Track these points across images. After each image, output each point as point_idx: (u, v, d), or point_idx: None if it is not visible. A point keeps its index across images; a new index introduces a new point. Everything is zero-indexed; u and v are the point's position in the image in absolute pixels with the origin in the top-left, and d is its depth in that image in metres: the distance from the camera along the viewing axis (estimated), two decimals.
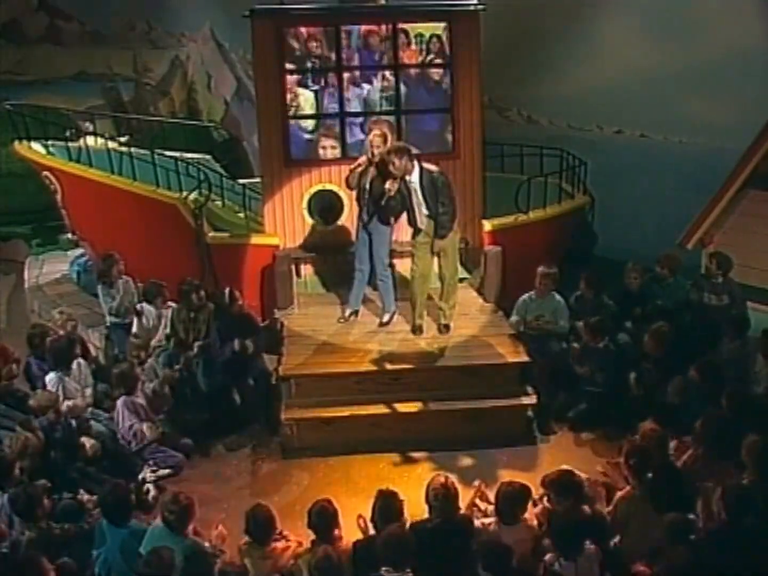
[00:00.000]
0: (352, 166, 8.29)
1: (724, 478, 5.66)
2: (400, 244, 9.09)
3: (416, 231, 8.10)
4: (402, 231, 8.88)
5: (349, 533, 5.58)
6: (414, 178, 7.82)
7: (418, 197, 7.86)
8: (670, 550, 4.98)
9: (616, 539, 5.61)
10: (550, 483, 5.70)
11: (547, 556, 5.15)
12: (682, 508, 5.38)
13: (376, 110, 9.40)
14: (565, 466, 6.25)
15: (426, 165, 7.89)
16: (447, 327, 8.34)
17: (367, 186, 8.17)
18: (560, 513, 5.44)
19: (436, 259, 8.19)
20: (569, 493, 5.58)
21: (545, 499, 5.81)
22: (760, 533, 5.19)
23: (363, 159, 8.19)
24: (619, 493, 5.86)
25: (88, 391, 7.76)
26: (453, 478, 5.77)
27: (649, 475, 5.76)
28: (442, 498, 5.43)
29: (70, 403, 7.30)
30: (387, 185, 7.83)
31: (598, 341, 7.93)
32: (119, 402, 7.30)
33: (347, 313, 8.67)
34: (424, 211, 7.91)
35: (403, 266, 9.09)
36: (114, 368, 7.56)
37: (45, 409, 6.91)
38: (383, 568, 4.91)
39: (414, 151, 7.98)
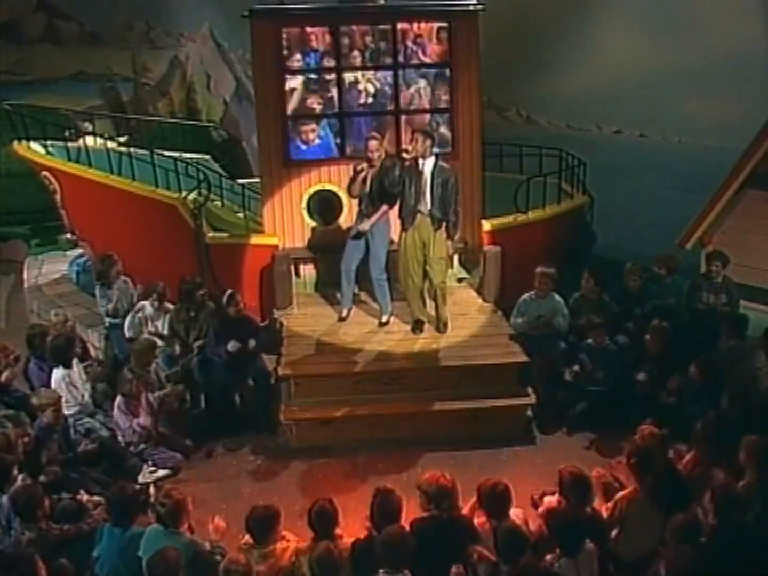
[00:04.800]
0: (353, 174, 8.28)
1: (723, 479, 5.66)
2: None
3: (404, 224, 8.10)
4: None
5: (349, 533, 5.58)
6: (428, 164, 7.91)
7: (424, 185, 7.90)
8: (675, 550, 4.97)
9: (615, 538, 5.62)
10: (568, 482, 5.68)
11: (548, 556, 5.15)
12: (683, 509, 5.36)
13: (376, 110, 9.41)
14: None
15: (441, 162, 8.00)
16: (445, 325, 8.35)
17: (366, 189, 8.18)
18: (560, 512, 5.44)
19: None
20: (580, 492, 5.59)
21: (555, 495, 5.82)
22: (754, 534, 5.20)
23: (364, 165, 8.20)
24: (620, 493, 5.85)
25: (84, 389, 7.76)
26: (452, 477, 5.75)
27: (648, 477, 5.76)
28: (444, 494, 5.43)
29: (72, 400, 7.32)
30: (407, 145, 8.01)
31: (602, 341, 7.94)
32: (117, 401, 7.30)
33: (344, 312, 8.67)
34: (428, 203, 7.95)
35: None
36: (125, 370, 7.55)
37: (46, 407, 6.90)
38: (381, 570, 4.91)
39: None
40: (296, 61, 9.21)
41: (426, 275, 8.23)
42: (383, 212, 8.25)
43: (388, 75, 9.36)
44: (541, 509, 5.81)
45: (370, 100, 9.39)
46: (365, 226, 8.24)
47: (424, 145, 7.89)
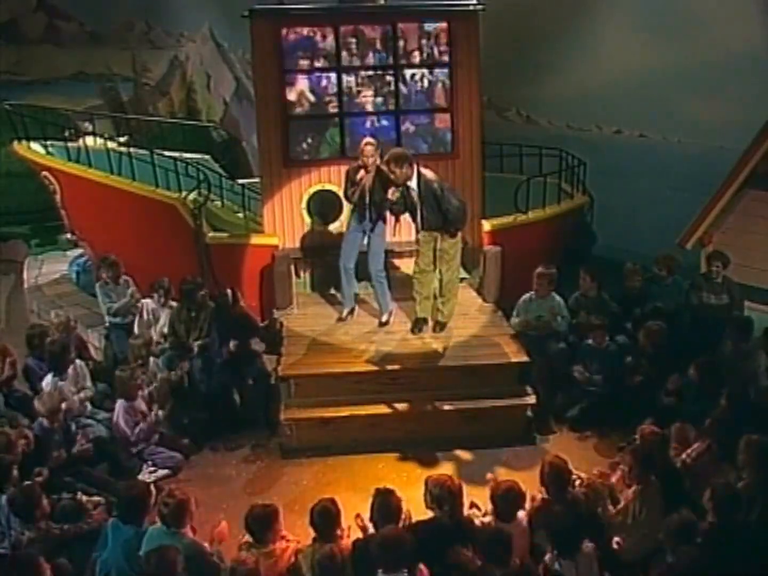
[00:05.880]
0: (348, 178, 8.28)
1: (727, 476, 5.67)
2: (399, 245, 9.10)
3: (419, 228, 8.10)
4: (403, 231, 8.90)
5: (349, 533, 5.57)
6: (413, 184, 7.79)
7: (417, 204, 7.86)
8: (676, 550, 4.97)
9: (617, 539, 5.62)
10: (547, 472, 5.73)
11: (547, 556, 5.15)
12: (683, 508, 5.37)
13: (376, 110, 9.41)
14: None
15: (423, 171, 7.81)
16: (442, 326, 8.33)
17: (367, 198, 8.17)
18: (559, 513, 5.44)
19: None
20: (560, 482, 5.63)
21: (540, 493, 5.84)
22: (753, 532, 5.20)
23: (362, 174, 8.17)
24: (627, 495, 5.84)
25: (87, 393, 7.74)
26: (459, 482, 5.75)
27: (652, 477, 5.77)
28: (449, 498, 5.43)
29: (64, 405, 7.29)
30: (389, 194, 7.86)
31: (602, 341, 7.94)
32: (117, 405, 7.28)
33: (345, 312, 8.67)
34: (426, 219, 7.90)
35: (403, 265, 9.12)
36: (117, 370, 7.55)
37: (51, 413, 6.88)
38: (379, 570, 4.91)
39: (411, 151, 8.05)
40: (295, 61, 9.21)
41: (438, 269, 8.20)
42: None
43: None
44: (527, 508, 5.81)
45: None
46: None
47: (403, 171, 7.66)
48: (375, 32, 9.21)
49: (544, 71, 13.21)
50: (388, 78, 9.31)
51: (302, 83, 9.25)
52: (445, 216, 7.81)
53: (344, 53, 9.19)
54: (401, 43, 9.27)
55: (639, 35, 12.47)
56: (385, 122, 9.40)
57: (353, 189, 8.23)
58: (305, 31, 9.13)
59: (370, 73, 9.30)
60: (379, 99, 9.35)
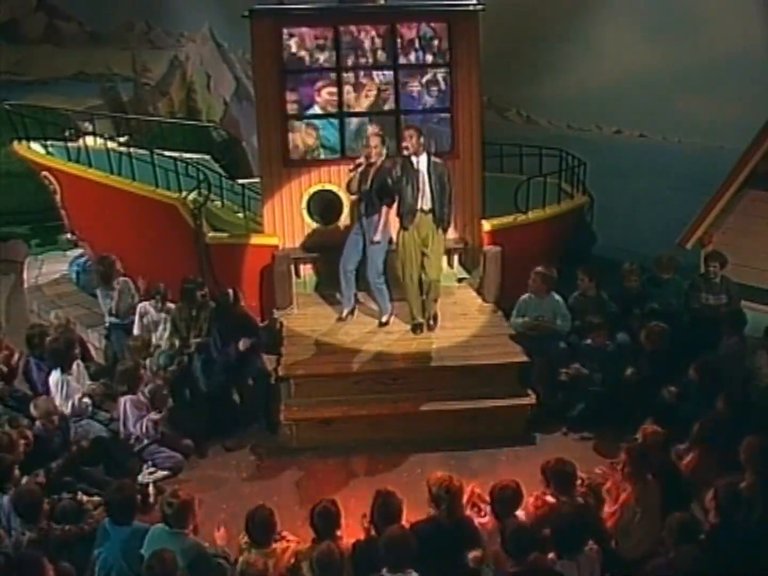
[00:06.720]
0: (351, 168, 8.31)
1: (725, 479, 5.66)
2: None
3: (403, 222, 8.11)
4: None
5: (349, 533, 5.57)
6: (422, 160, 7.94)
7: (421, 183, 7.94)
8: (677, 550, 4.97)
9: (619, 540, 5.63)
10: (551, 468, 5.75)
11: (550, 555, 5.15)
12: (683, 509, 5.37)
13: (376, 110, 9.41)
14: None
15: (435, 159, 8.06)
16: (434, 318, 8.37)
17: (366, 185, 8.17)
18: (562, 513, 5.44)
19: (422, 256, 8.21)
20: (564, 479, 5.63)
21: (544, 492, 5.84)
22: (754, 533, 5.21)
23: (361, 159, 8.19)
24: (623, 496, 5.84)
25: (91, 389, 7.71)
26: (460, 482, 5.74)
27: (649, 476, 5.77)
28: (447, 497, 5.43)
29: (70, 403, 7.29)
30: (403, 144, 7.99)
31: (601, 341, 7.94)
32: (123, 400, 7.25)
33: (345, 312, 8.68)
34: (427, 200, 7.99)
35: None
36: (119, 365, 7.55)
37: (45, 417, 6.88)
38: (384, 569, 4.91)
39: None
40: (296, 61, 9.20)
41: (423, 271, 8.22)
42: (386, 215, 8.25)
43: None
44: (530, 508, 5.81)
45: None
46: (378, 236, 8.25)
47: (418, 141, 7.93)
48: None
49: (544, 71, 13.20)
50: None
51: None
52: (448, 206, 8.06)
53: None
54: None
55: (639, 35, 12.47)
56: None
57: (353, 179, 8.25)
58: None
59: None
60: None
